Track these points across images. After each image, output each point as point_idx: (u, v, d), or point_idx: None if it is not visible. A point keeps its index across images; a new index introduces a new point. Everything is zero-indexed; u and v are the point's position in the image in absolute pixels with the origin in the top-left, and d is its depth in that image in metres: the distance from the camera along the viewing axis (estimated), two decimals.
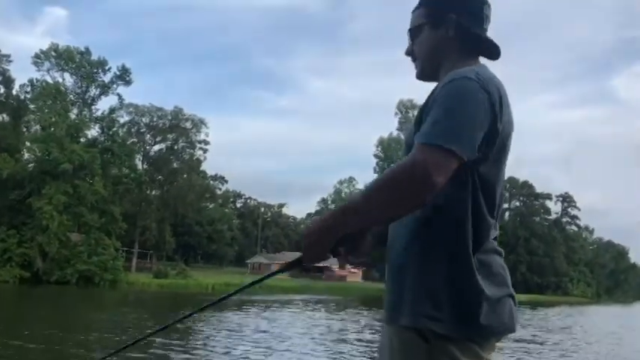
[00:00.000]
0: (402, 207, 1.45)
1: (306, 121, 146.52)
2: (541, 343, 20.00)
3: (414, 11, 1.80)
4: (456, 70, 1.57)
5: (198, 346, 15.39)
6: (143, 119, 64.20)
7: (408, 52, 1.82)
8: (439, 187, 1.40)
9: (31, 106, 49.54)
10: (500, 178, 1.60)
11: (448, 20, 1.69)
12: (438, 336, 1.48)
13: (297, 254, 1.62)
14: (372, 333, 20.11)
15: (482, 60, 1.73)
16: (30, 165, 46.06)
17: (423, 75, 1.79)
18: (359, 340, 18.42)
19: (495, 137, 1.53)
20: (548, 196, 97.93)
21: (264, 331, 18.99)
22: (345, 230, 1.48)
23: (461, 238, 1.51)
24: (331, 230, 1.48)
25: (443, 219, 1.53)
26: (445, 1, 1.73)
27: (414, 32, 1.78)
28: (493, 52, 1.74)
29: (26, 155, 47.77)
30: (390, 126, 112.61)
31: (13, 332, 15.53)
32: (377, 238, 1.70)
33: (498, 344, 1.61)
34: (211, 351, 14.55)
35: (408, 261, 1.56)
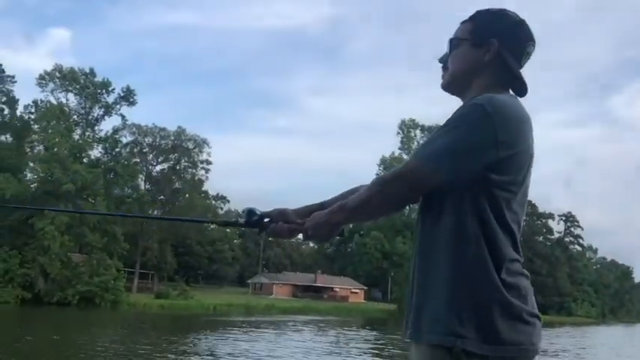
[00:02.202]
0: (382, 211, 1.66)
1: (307, 141, 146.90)
2: None
3: (462, 23, 1.79)
4: (479, 96, 1.61)
5: None
6: (146, 139, 64.50)
7: (442, 61, 1.82)
8: (413, 201, 1.64)
9: (35, 127, 49.77)
10: (517, 204, 1.61)
11: (489, 45, 1.70)
12: (469, 355, 1.48)
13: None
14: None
15: None
16: (33, 185, 46.13)
17: (448, 87, 1.80)
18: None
19: (502, 165, 1.55)
20: (551, 216, 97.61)
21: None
22: (341, 224, 1.69)
23: (480, 258, 1.53)
24: (331, 228, 1.69)
25: (461, 238, 1.55)
26: (492, 26, 1.72)
27: (453, 43, 1.78)
28: (522, 89, 1.74)
29: (29, 175, 47.88)
30: (392, 145, 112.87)
31: (14, 354, 15.43)
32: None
33: None
34: None
35: (432, 278, 1.58)
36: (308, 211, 1.82)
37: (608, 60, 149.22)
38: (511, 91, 1.74)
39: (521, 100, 1.73)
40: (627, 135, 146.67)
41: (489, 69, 1.71)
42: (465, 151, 1.53)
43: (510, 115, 1.57)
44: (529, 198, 1.70)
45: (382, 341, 26.53)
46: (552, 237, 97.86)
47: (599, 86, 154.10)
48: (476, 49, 1.72)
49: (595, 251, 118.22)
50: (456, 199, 1.56)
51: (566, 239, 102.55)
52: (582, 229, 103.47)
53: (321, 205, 1.83)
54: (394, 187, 1.58)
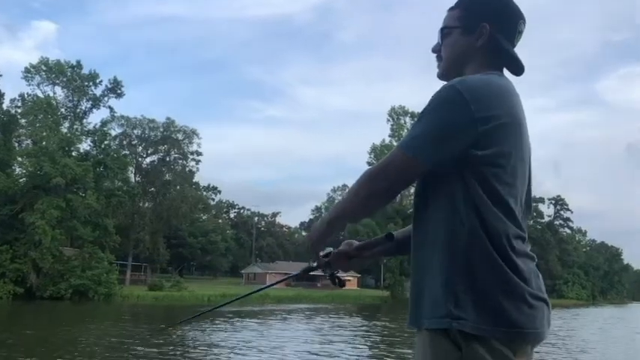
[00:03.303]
0: (371, 203, 1.63)
1: (298, 130, 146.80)
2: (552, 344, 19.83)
3: (450, 10, 1.78)
4: (450, 80, 1.60)
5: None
6: (135, 131, 64.17)
7: (435, 50, 1.81)
8: (398, 190, 1.61)
9: (22, 121, 49.28)
10: (512, 180, 1.57)
11: (480, 29, 1.69)
12: (467, 337, 1.46)
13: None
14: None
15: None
16: (22, 180, 45.78)
17: (444, 77, 1.77)
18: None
19: (483, 140, 1.52)
20: (541, 200, 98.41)
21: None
22: (336, 224, 1.68)
23: (475, 238, 1.51)
24: (327, 228, 1.70)
25: (454, 221, 1.54)
26: (482, 10, 1.71)
27: (444, 32, 1.76)
28: (518, 67, 1.73)
29: (18, 170, 47.50)
30: (382, 133, 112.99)
31: (7, 350, 15.42)
32: (394, 247, 1.87)
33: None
34: None
35: (429, 265, 1.58)
36: (372, 243, 1.86)
37: (595, 44, 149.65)
38: (506, 71, 1.73)
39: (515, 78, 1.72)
40: (615, 118, 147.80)
41: (483, 53, 1.70)
42: (442, 134, 1.52)
43: (484, 90, 1.55)
44: None
45: (375, 327, 26.74)
46: (542, 220, 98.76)
47: (586, 71, 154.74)
48: (467, 35, 1.71)
49: (584, 234, 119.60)
50: (445, 182, 1.56)
51: (556, 222, 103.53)
52: (572, 212, 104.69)
53: (387, 238, 1.79)
54: (380, 178, 1.58)
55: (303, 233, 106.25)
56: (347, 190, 1.67)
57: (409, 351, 17.01)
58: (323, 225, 1.70)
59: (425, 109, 1.57)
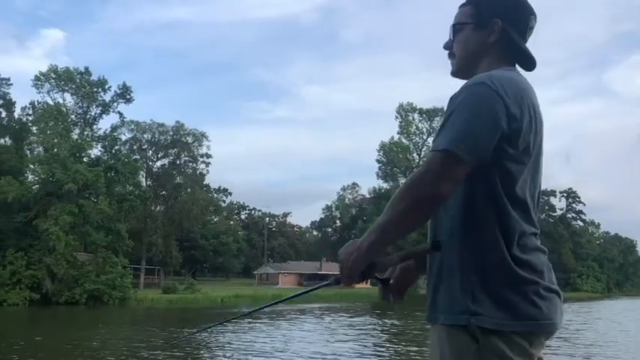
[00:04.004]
0: (418, 213, 1.51)
1: (307, 130, 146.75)
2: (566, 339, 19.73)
3: (461, 6, 1.78)
4: (475, 76, 1.62)
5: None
6: (145, 136, 64.55)
7: (447, 47, 1.80)
8: (447, 193, 1.49)
9: (33, 128, 49.75)
10: (529, 177, 1.61)
11: (492, 25, 1.69)
12: (485, 332, 1.49)
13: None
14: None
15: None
16: (35, 187, 46.19)
17: (458, 74, 1.78)
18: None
19: (514, 137, 1.54)
20: (552, 193, 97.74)
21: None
22: (376, 248, 1.54)
23: (491, 236, 1.54)
24: (362, 254, 1.54)
25: (471, 217, 1.56)
26: (494, 6, 1.71)
27: (456, 28, 1.76)
28: (530, 62, 1.75)
29: (30, 177, 47.91)
30: (390, 130, 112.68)
31: (25, 355, 15.59)
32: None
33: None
34: None
35: (446, 260, 1.60)
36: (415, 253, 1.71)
37: (602, 34, 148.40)
38: (518, 67, 1.74)
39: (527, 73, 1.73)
40: (626, 108, 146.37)
41: (495, 48, 1.71)
42: (481, 130, 1.51)
43: (512, 86, 1.57)
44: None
45: (385, 325, 26.73)
46: (555, 214, 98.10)
47: (596, 61, 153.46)
48: (480, 31, 1.71)
49: (598, 226, 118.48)
50: (467, 180, 1.54)
51: (569, 215, 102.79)
52: (584, 204, 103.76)
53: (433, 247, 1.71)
54: (425, 183, 1.48)
55: (314, 233, 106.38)
56: (385, 208, 1.52)
57: (415, 348, 17.01)
58: (360, 252, 1.54)
59: (456, 107, 1.55)
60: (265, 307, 2.23)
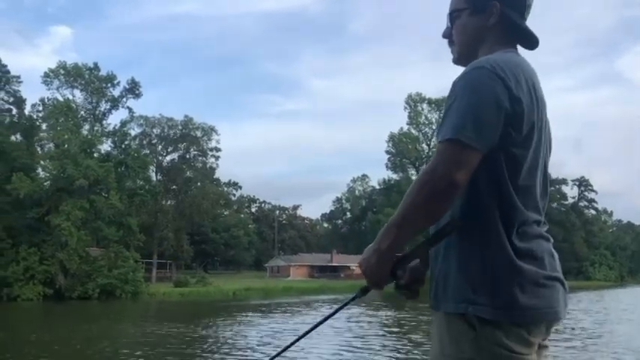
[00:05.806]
0: (436, 206, 1.48)
1: (315, 122, 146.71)
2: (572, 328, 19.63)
3: None
4: (473, 61, 1.58)
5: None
6: (154, 130, 64.80)
7: (446, 35, 1.78)
8: (462, 182, 1.46)
9: (44, 125, 50.10)
10: (534, 161, 1.58)
11: (490, 8, 1.66)
12: (483, 321, 1.49)
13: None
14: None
15: (520, 49, 1.71)
16: (46, 183, 46.55)
17: (459, 61, 1.75)
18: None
19: (518, 120, 1.51)
20: (564, 181, 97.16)
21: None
22: (396, 246, 1.52)
23: (492, 221, 1.52)
24: (383, 255, 1.53)
25: (474, 204, 1.54)
26: None
27: (453, 16, 1.73)
28: (532, 41, 1.72)
29: (41, 174, 48.29)
30: (400, 121, 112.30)
31: (39, 349, 15.74)
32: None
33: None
34: None
35: (448, 248, 1.58)
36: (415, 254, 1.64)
37: (610, 20, 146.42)
38: (520, 47, 1.71)
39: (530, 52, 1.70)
40: (635, 94, 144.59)
41: (496, 31, 1.68)
42: (485, 113, 1.47)
43: (511, 67, 1.54)
44: None
45: (399, 316, 26.73)
46: (566, 202, 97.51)
47: (604, 48, 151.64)
48: (478, 15, 1.68)
49: (610, 214, 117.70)
50: None
51: (581, 204, 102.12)
52: (596, 192, 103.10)
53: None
54: (438, 175, 1.45)
55: (325, 225, 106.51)
56: (400, 205, 1.51)
57: (419, 336, 16.96)
58: (381, 253, 1.52)
59: (458, 94, 1.51)
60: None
